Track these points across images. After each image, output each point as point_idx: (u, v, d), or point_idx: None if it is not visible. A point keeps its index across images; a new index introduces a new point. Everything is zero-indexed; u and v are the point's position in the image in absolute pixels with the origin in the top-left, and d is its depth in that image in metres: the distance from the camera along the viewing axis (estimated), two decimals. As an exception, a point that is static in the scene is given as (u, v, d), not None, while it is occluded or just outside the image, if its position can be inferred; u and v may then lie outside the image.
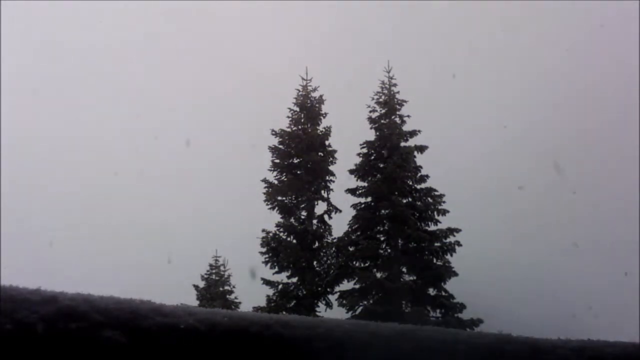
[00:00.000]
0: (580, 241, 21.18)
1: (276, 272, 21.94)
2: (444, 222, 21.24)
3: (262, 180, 22.49)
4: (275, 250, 21.86)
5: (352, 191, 21.97)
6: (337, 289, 21.63)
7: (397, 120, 22.24)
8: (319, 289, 21.82)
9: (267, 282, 21.86)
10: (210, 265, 25.51)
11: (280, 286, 21.85)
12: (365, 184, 22.01)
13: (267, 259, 21.87)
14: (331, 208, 22.54)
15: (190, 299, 23.81)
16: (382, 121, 22.27)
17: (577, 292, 19.85)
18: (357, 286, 21.20)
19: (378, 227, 21.69)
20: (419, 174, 21.86)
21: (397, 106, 22.34)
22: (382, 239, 21.64)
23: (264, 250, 21.91)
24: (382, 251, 21.49)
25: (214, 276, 25.42)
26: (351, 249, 21.61)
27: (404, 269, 21.18)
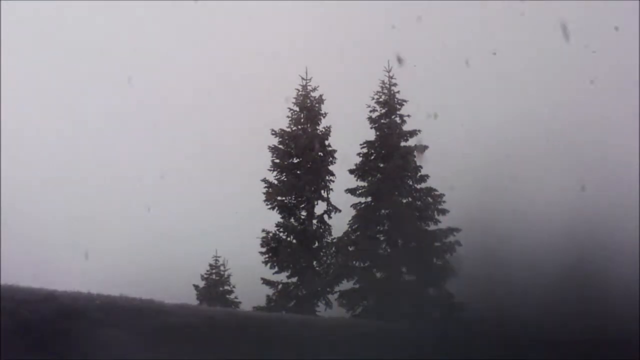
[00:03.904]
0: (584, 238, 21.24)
1: (276, 272, 21.98)
2: (444, 222, 21.29)
3: (262, 180, 22.53)
4: (275, 250, 21.89)
5: (352, 191, 21.99)
6: (337, 289, 21.66)
7: (397, 120, 22.28)
8: (319, 289, 21.85)
9: (267, 282, 21.91)
10: (210, 265, 25.55)
11: (280, 286, 21.89)
12: (365, 184, 22.04)
13: (267, 259, 21.91)
14: (331, 208, 22.56)
15: (191, 299, 23.82)
16: (382, 121, 22.30)
17: (576, 290, 19.87)
18: (357, 286, 21.24)
19: (378, 227, 21.72)
20: (419, 174, 21.88)
21: (397, 106, 22.37)
22: (382, 239, 21.66)
23: (264, 250, 21.96)
24: (382, 251, 21.52)
25: (214, 276, 25.46)
26: (351, 249, 21.64)
27: (404, 269, 21.21)
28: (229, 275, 25.48)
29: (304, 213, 22.61)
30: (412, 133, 22.09)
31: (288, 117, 23.08)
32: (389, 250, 21.47)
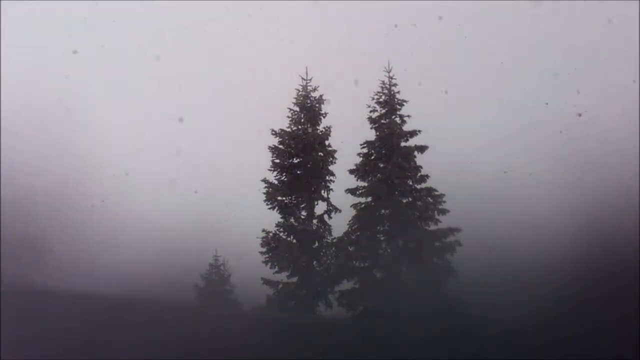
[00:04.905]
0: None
1: (276, 272, 22.03)
2: (444, 222, 21.37)
3: (262, 180, 22.60)
4: (275, 250, 21.95)
5: (352, 191, 22.05)
6: (337, 289, 21.70)
7: (397, 120, 22.33)
8: (319, 289, 21.89)
9: (267, 282, 21.97)
10: (210, 265, 25.60)
11: (280, 286, 21.94)
12: (365, 184, 22.09)
13: (267, 259, 21.97)
14: (331, 208, 22.61)
15: (191, 299, 23.86)
16: (382, 121, 22.36)
17: (575, 286, 19.92)
18: (357, 286, 21.29)
19: (378, 227, 21.77)
20: (419, 174, 21.94)
21: (397, 106, 22.43)
22: (382, 239, 21.71)
23: (264, 250, 22.02)
24: (382, 251, 21.58)
25: (214, 276, 25.51)
26: (351, 249, 21.69)
27: (404, 269, 21.28)
28: (229, 275, 25.54)
29: (304, 213, 22.66)
30: (412, 133, 22.16)
31: (288, 117, 23.15)
32: (389, 250, 21.53)
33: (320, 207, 22.71)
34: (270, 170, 22.76)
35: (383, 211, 21.73)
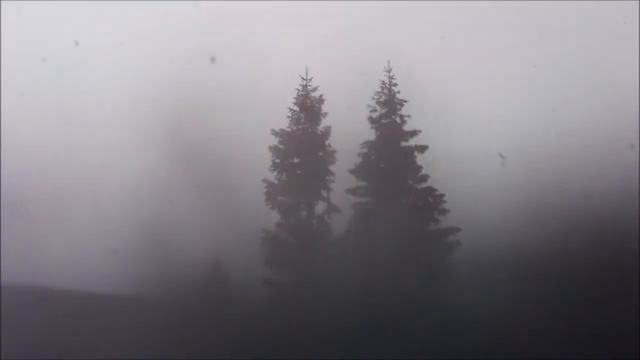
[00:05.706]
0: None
1: (276, 272, 22.06)
2: (444, 222, 21.38)
3: (262, 180, 22.63)
4: (275, 250, 21.99)
5: (352, 191, 22.06)
6: (336, 288, 21.69)
7: (398, 120, 22.34)
8: (319, 289, 21.89)
9: (267, 282, 22.02)
10: (211, 265, 25.56)
11: (280, 286, 21.98)
12: (365, 184, 22.10)
13: (267, 259, 22.02)
14: (331, 208, 22.63)
15: (192, 299, 23.84)
16: (383, 121, 22.37)
17: (575, 286, 19.94)
18: (357, 286, 21.28)
19: (378, 227, 21.75)
20: (419, 174, 21.95)
21: (398, 106, 22.43)
22: (382, 239, 21.69)
23: (264, 250, 22.06)
24: (382, 251, 21.57)
25: (214, 276, 25.47)
26: (351, 249, 21.69)
27: (404, 269, 21.27)
28: (229, 276, 25.50)
29: (304, 213, 22.69)
30: (412, 133, 22.18)
31: (288, 117, 23.18)
32: (389, 250, 21.52)
33: (320, 207, 22.75)
34: (270, 170, 22.81)
35: (383, 211, 21.72)
